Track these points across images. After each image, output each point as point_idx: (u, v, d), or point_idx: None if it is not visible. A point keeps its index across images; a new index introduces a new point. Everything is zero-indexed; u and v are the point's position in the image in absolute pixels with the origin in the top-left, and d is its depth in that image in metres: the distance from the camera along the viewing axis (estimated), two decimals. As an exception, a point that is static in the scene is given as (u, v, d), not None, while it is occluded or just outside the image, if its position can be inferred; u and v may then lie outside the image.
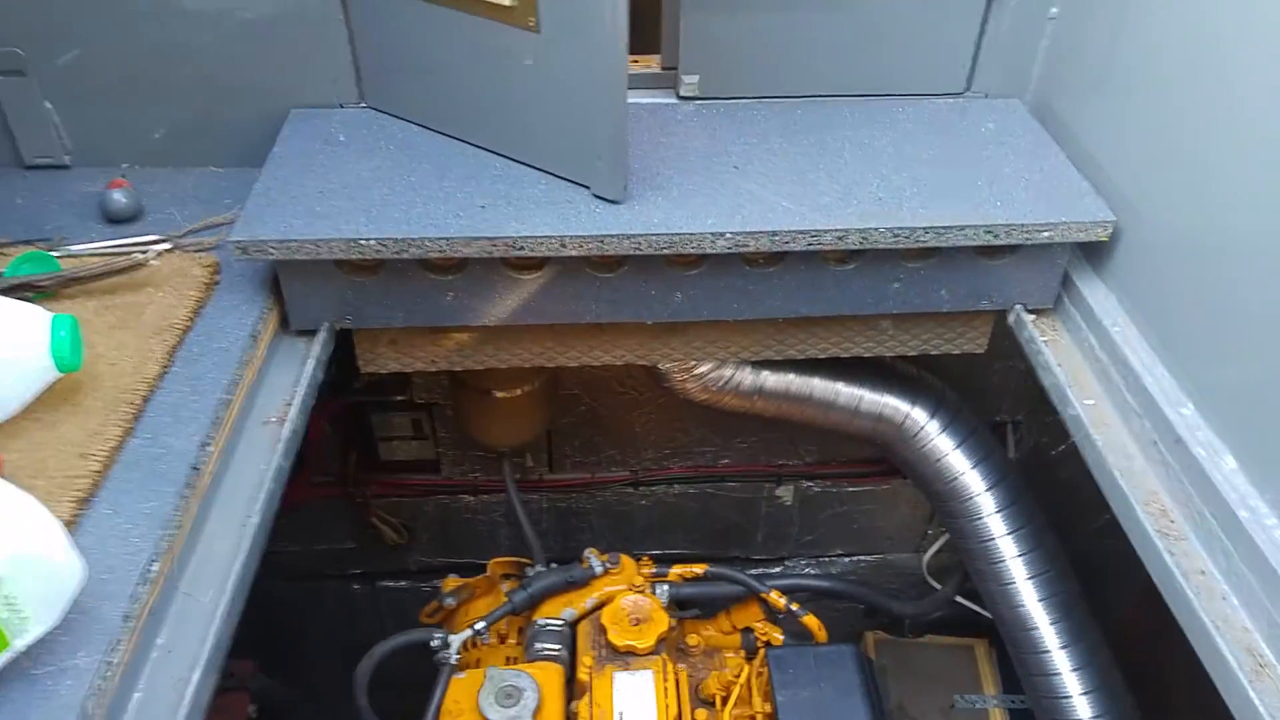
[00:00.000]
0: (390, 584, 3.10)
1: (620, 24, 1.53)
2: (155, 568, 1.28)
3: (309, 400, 1.66)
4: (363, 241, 1.62)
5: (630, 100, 1.97)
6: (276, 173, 1.78)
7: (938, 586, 3.15)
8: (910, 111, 2.04)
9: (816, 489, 2.97)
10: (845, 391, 2.35)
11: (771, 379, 2.29)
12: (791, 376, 2.30)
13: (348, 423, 2.63)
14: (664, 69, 2.09)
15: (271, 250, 1.62)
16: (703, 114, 2.02)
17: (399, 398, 2.56)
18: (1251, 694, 1.26)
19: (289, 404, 1.62)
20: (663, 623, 2.11)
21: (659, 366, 2.14)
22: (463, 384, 2.28)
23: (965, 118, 2.03)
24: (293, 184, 1.75)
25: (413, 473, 2.78)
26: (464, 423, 2.43)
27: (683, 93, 2.05)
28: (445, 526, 2.93)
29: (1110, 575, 2.47)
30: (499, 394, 2.24)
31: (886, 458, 2.91)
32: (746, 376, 2.26)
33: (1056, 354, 1.78)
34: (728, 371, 2.23)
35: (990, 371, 2.69)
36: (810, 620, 2.36)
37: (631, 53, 2.04)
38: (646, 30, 2.05)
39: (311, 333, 1.78)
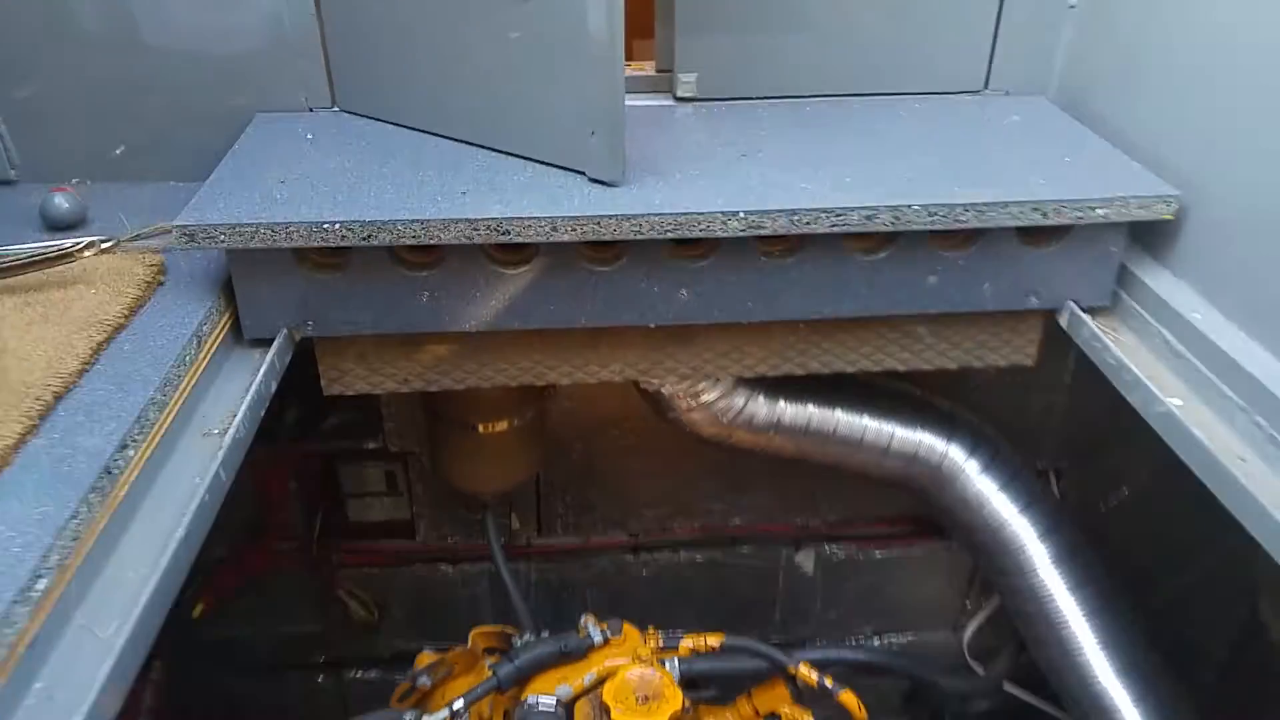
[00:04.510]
0: (359, 674, 2.74)
1: (615, -20, 1.37)
2: (41, 585, 1.01)
3: (258, 410, 1.42)
4: (326, 225, 1.41)
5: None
6: (234, 164, 1.60)
7: (980, 671, 2.81)
8: (926, 107, 1.90)
9: (840, 555, 2.67)
10: (873, 427, 2.10)
11: (789, 411, 2.05)
12: (811, 409, 2.07)
13: (314, 477, 2.36)
14: (659, 71, 1.95)
15: (222, 237, 1.41)
16: (702, 113, 1.87)
17: (371, 445, 2.30)
18: None
19: (234, 415, 1.37)
20: (676, 700, 1.79)
21: (662, 391, 1.91)
22: (441, 418, 2.03)
23: (986, 111, 1.88)
24: (251, 175, 1.56)
25: (385, 537, 2.50)
26: (442, 465, 2.16)
27: (680, 93, 1.90)
28: (421, 602, 2.61)
29: (1186, 650, 2.16)
30: (482, 428, 1.98)
31: (920, 515, 2.65)
32: (761, 408, 2.02)
33: (1124, 352, 1.56)
34: (739, 401, 1.99)
35: (1028, 411, 2.45)
36: (848, 698, 2.02)
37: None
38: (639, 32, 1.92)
39: (267, 342, 1.54)
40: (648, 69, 1.96)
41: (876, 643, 2.89)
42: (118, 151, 1.85)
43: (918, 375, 2.35)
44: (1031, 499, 2.15)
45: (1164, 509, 2.30)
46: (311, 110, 1.84)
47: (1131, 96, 1.73)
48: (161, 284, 1.51)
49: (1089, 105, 1.84)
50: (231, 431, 1.32)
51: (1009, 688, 2.66)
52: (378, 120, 1.79)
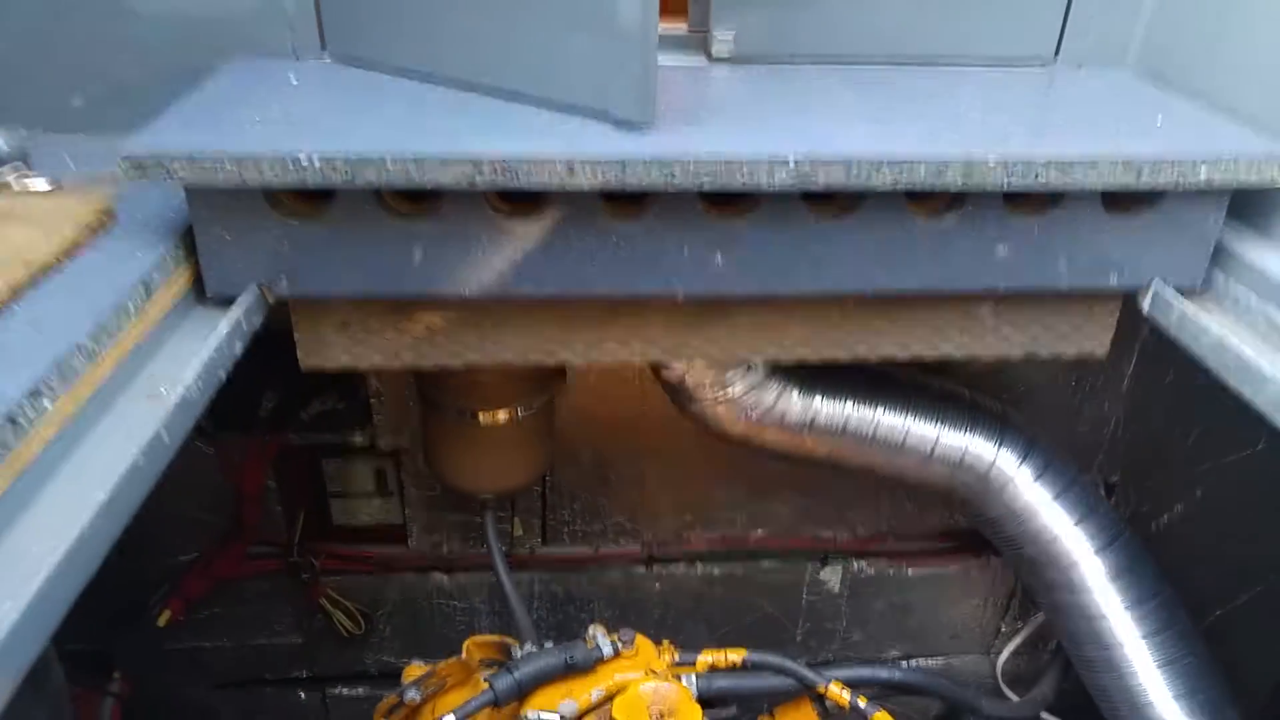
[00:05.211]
0: (344, 691, 2.51)
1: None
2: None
3: (216, 371, 1.20)
4: (303, 160, 1.21)
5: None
6: (201, 98, 1.39)
7: (1015, 698, 2.58)
8: (991, 76, 1.70)
9: (869, 571, 2.45)
10: (916, 429, 1.89)
11: (826, 409, 1.84)
12: (850, 407, 1.85)
13: (294, 473, 2.14)
14: (691, 30, 1.76)
15: (179, 169, 1.20)
16: (741, 73, 1.67)
17: (359, 440, 2.08)
18: None
19: (186, 373, 1.16)
20: (695, 716, 1.58)
21: (685, 381, 1.70)
22: (436, 405, 1.81)
23: (1060, 81, 1.69)
24: (220, 110, 1.35)
25: (374, 542, 2.27)
26: (437, 459, 1.94)
27: (715, 53, 1.70)
28: (412, 614, 2.39)
29: (1239, 674, 1.97)
30: (482, 417, 1.77)
31: (956, 530, 2.43)
32: (794, 404, 1.81)
33: (1224, 334, 1.35)
34: (770, 395, 1.78)
35: (1078, 419, 2.24)
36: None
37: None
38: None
39: (234, 301, 1.33)
40: (680, 26, 1.77)
41: (904, 665, 2.66)
42: (76, 102, 1.66)
43: (963, 376, 2.15)
44: (1089, 510, 1.94)
45: (1219, 528, 2.12)
46: (298, 59, 1.64)
47: (1229, 63, 1.53)
48: (107, 228, 1.30)
49: (1177, 76, 1.64)
50: (181, 390, 1.11)
51: (1046, 718, 2.43)
52: (375, 70, 1.59)
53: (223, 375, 1.22)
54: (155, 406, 1.10)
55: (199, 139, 1.22)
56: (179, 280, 1.30)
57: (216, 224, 1.29)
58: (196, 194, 1.25)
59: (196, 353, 1.19)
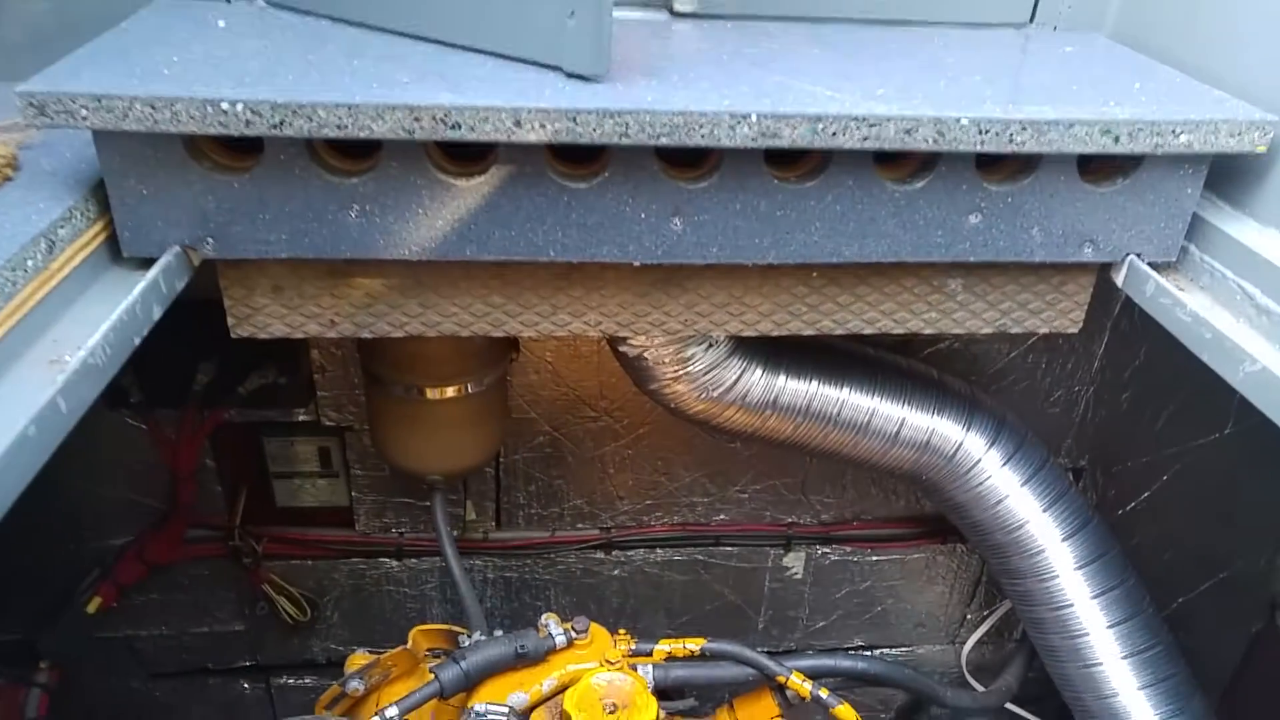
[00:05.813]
0: (290, 680, 2.41)
1: None
2: None
3: (128, 336, 1.10)
4: (226, 106, 1.11)
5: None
6: (115, 40, 1.28)
7: (980, 688, 2.54)
8: (964, 36, 1.63)
9: (833, 557, 2.39)
10: (883, 411, 1.83)
11: (790, 388, 1.77)
12: (815, 386, 1.79)
13: (234, 452, 2.03)
14: (655, -17, 1.67)
15: (84, 112, 1.09)
16: (704, 28, 1.59)
17: (302, 415, 1.98)
18: None
19: (91, 336, 1.06)
20: (649, 710, 1.51)
21: (644, 357, 1.62)
22: (381, 380, 1.72)
23: (1035, 43, 1.63)
24: (136, 51, 1.24)
25: (319, 525, 2.17)
26: (383, 438, 1.85)
27: (678, 7, 1.62)
28: (361, 601, 2.29)
29: (1199, 661, 1.95)
30: (430, 393, 1.68)
31: (921, 516, 2.39)
32: (757, 382, 1.74)
33: (1201, 309, 1.30)
34: (731, 373, 1.71)
35: (1048, 402, 2.20)
36: (845, 713, 1.74)
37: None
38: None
39: (154, 263, 1.23)
40: (638, -21, 1.68)
41: (868, 655, 2.61)
42: None
43: (932, 356, 2.10)
44: (1057, 495, 1.89)
45: (1184, 515, 2.10)
46: (230, 2, 1.53)
47: (1206, 29, 1.48)
48: (9, 179, 1.19)
49: (1154, 41, 1.58)
50: (83, 354, 1.01)
51: (1014, 709, 2.41)
52: (311, 16, 1.49)
53: (137, 341, 1.12)
54: (54, 372, 1.00)
55: (108, 79, 1.12)
56: (91, 238, 1.20)
57: (131, 176, 1.18)
58: (106, 140, 1.15)
59: (106, 316, 1.09)
